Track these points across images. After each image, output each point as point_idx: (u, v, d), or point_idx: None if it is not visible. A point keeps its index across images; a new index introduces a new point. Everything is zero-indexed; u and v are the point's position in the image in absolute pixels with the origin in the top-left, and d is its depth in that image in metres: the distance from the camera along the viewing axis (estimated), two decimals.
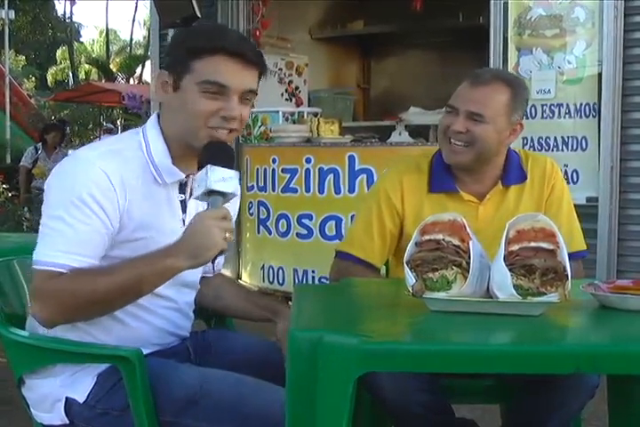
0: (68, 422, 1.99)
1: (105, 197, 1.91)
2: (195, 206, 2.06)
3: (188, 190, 2.06)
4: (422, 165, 2.57)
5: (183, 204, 2.07)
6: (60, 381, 2.00)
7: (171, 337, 2.14)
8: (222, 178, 1.87)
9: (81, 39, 40.11)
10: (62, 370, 2.01)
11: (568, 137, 5.34)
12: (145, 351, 1.99)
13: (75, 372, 2.00)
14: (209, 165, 1.87)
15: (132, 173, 1.96)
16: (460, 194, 2.52)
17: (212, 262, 1.93)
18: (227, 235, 1.86)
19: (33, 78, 32.70)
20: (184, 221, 2.06)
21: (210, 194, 1.87)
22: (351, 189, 5.63)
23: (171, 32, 7.46)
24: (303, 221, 5.88)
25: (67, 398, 1.99)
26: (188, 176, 2.05)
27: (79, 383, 1.99)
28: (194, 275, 2.16)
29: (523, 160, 2.57)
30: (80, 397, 1.98)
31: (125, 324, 2.03)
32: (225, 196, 1.90)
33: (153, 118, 2.07)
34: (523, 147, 5.42)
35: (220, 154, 1.93)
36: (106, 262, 1.94)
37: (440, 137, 2.51)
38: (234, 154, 2.00)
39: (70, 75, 33.57)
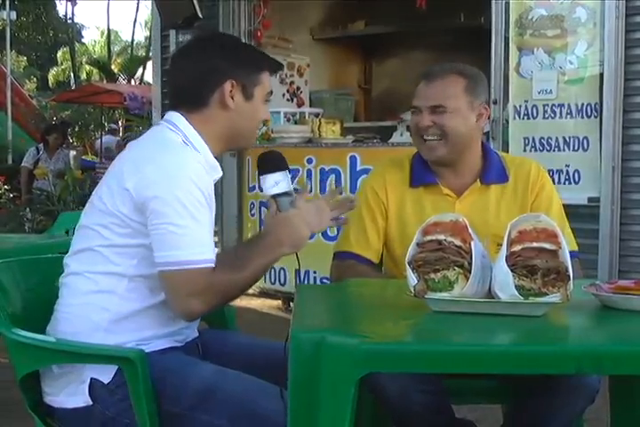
0: (91, 402, 2.03)
1: (210, 190, 2.08)
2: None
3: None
4: (404, 162, 2.66)
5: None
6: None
7: (185, 333, 2.20)
8: (275, 182, 2.13)
9: (82, 40, 40.11)
10: None
11: (569, 137, 5.34)
12: (165, 346, 2.10)
13: None
14: (260, 177, 2.16)
15: (204, 165, 2.11)
16: (438, 186, 2.58)
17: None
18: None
19: (34, 79, 32.70)
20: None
21: (274, 197, 2.14)
22: (353, 190, 5.62)
23: (172, 33, 7.45)
24: None
25: (91, 380, 2.03)
26: None
27: (107, 365, 2.03)
28: None
29: (506, 162, 2.61)
30: (105, 378, 2.02)
31: (157, 309, 2.09)
32: (286, 194, 2.14)
33: (181, 119, 2.15)
34: (524, 147, 5.43)
35: (266, 162, 2.18)
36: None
37: (414, 138, 2.60)
38: (279, 155, 2.22)
39: (72, 75, 33.55)
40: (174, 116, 2.16)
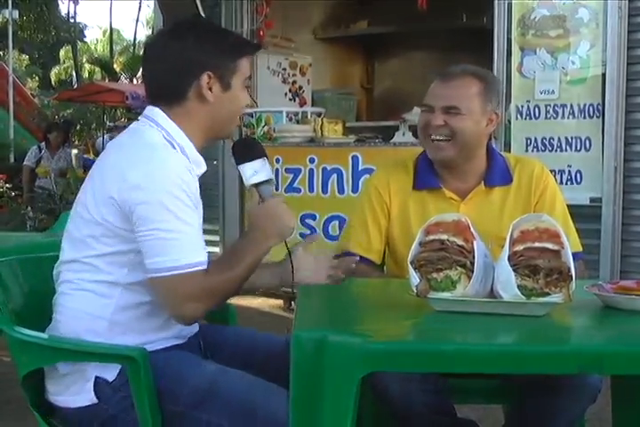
0: (95, 401, 2.02)
1: (196, 191, 2.03)
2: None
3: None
4: (408, 164, 2.64)
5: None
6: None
7: (184, 330, 2.18)
8: (254, 171, 2.09)
9: (84, 39, 40.13)
10: None
11: (572, 137, 5.34)
12: (166, 344, 2.10)
13: None
14: (239, 166, 2.10)
15: (187, 165, 2.05)
16: (442, 190, 2.56)
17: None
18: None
19: (36, 78, 32.73)
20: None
21: (260, 183, 2.10)
22: (355, 189, 5.62)
23: None
24: (307, 221, 5.88)
25: (96, 377, 2.02)
26: None
27: (111, 364, 2.02)
28: None
29: (510, 163, 2.60)
30: (109, 376, 2.01)
31: (155, 314, 2.07)
32: (267, 182, 2.11)
33: (161, 115, 2.10)
34: (526, 147, 5.43)
35: (242, 151, 2.13)
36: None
37: (421, 136, 2.57)
38: (254, 143, 2.21)
39: (74, 74, 33.58)
40: (154, 112, 2.11)
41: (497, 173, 2.56)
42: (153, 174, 1.96)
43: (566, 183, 5.28)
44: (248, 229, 2.15)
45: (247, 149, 2.14)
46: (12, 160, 13.10)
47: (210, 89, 2.08)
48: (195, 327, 2.23)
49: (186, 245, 1.96)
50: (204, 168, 2.14)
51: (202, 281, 1.96)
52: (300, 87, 7.90)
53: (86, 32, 47.58)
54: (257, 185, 2.10)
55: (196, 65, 2.08)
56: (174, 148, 2.06)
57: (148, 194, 1.94)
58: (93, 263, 2.03)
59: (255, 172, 2.08)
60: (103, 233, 2.01)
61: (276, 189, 6.04)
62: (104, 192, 1.99)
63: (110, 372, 2.01)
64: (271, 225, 2.09)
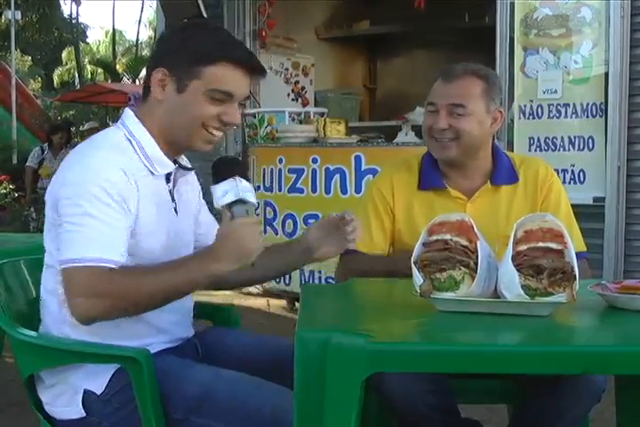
0: (84, 414, 1.99)
1: (126, 192, 1.94)
2: (178, 196, 2.13)
3: (172, 180, 2.12)
4: (412, 164, 2.64)
5: (171, 193, 2.11)
6: (82, 373, 2.00)
7: (177, 333, 2.15)
8: (223, 192, 1.95)
9: (87, 40, 40.18)
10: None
11: (575, 137, 5.34)
12: (157, 348, 2.04)
13: (97, 364, 2.00)
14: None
15: (133, 165, 2.00)
16: (447, 190, 2.56)
17: (252, 265, 1.99)
18: (261, 240, 1.96)
19: (39, 79, 32.78)
20: (176, 210, 2.11)
21: (233, 204, 1.94)
22: (358, 190, 5.62)
23: None
24: (310, 221, 5.87)
25: (85, 391, 1.99)
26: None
27: (98, 375, 1.99)
28: None
29: (515, 163, 2.60)
30: (97, 389, 1.98)
31: (133, 319, 2.01)
32: (246, 205, 1.96)
33: (129, 114, 2.08)
34: (529, 147, 5.43)
35: (217, 171, 1.99)
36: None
37: (425, 136, 2.57)
38: (229, 161, 2.08)
39: (76, 75, 33.62)
40: (125, 112, 2.09)
41: (503, 172, 2.56)
42: (77, 173, 1.93)
43: (569, 183, 5.28)
44: (203, 248, 2.04)
45: (221, 170, 2.01)
46: (14, 161, 13.11)
47: (163, 87, 2.01)
48: (189, 332, 2.21)
49: (91, 241, 1.88)
50: (168, 168, 2.07)
51: (100, 279, 1.86)
52: (303, 87, 7.91)
53: (89, 33, 47.74)
54: (230, 206, 1.95)
55: (156, 60, 2.04)
56: (133, 146, 2.02)
57: (68, 191, 1.92)
58: (55, 266, 1.99)
59: (225, 192, 1.95)
60: (53, 234, 1.99)
61: (279, 191, 6.04)
62: (50, 194, 1.99)
63: (99, 383, 1.98)
64: (227, 247, 1.92)
